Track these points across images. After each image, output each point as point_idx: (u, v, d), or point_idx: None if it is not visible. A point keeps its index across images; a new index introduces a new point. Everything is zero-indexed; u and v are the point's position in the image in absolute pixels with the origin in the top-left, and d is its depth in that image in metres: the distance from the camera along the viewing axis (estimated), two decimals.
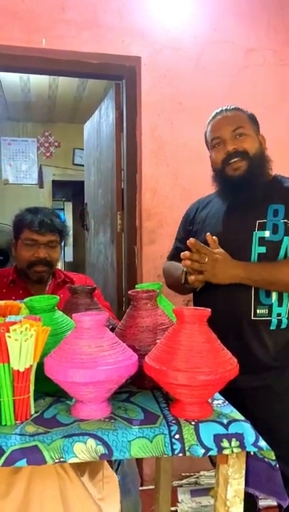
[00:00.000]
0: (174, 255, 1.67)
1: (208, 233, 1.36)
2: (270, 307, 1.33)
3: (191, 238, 1.32)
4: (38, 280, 1.61)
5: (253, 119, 1.44)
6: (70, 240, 7.21)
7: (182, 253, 1.32)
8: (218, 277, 1.30)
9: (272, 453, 0.81)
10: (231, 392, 1.04)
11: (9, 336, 0.79)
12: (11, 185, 5.01)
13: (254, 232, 1.34)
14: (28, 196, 4.86)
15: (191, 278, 1.31)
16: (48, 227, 1.59)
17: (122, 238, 2.41)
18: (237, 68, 2.29)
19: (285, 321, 1.34)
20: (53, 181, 5.26)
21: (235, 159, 1.36)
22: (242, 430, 0.80)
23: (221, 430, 0.80)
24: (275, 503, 1.31)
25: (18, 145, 5.01)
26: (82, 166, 3.99)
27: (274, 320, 1.34)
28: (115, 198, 2.43)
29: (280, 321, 1.34)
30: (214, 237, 1.39)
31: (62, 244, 1.77)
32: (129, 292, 1.06)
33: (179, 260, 1.62)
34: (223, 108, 1.45)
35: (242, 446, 0.79)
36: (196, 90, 2.24)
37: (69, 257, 7.25)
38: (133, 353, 0.87)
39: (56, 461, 0.74)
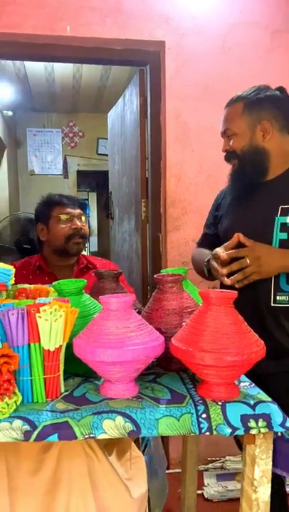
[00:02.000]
0: (202, 241, 1.68)
1: (240, 234, 1.33)
2: None
3: (220, 253, 1.32)
4: (77, 252, 1.68)
5: (250, 108, 1.36)
6: (95, 229, 7.31)
7: (220, 273, 1.31)
8: (267, 272, 1.29)
9: None
10: (255, 378, 1.04)
11: (40, 317, 0.81)
12: (36, 176, 5.08)
13: (276, 218, 1.33)
14: (53, 187, 4.91)
15: (234, 281, 1.29)
16: (75, 201, 1.72)
17: (147, 226, 2.41)
18: (263, 50, 2.24)
19: None
20: (78, 171, 5.31)
21: (230, 159, 1.43)
22: (269, 411, 0.80)
23: (248, 411, 0.80)
24: None
25: (43, 136, 5.06)
26: (106, 155, 4.01)
27: None
28: (139, 185, 2.44)
29: None
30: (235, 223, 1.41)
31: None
32: (155, 276, 1.07)
33: (208, 246, 1.64)
34: (229, 100, 1.45)
35: (269, 426, 0.79)
36: (221, 74, 2.20)
37: (94, 246, 7.33)
38: (159, 334, 0.88)
39: (86, 436, 0.77)
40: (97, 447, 1.03)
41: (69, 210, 1.67)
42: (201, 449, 2.07)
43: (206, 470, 2.15)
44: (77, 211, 1.69)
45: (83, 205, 1.75)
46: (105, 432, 0.77)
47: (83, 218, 1.72)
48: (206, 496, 1.98)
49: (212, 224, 1.62)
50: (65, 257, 1.68)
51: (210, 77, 2.20)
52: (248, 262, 1.27)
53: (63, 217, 1.66)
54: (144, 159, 2.42)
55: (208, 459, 2.21)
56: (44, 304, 0.83)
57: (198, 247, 1.71)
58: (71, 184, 5.26)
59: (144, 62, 2.24)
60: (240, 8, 2.21)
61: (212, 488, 2.00)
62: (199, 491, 1.98)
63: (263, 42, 2.24)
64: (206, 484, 2.03)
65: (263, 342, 0.86)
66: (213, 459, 2.22)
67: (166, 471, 1.70)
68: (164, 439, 2.14)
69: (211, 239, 1.63)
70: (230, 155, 1.42)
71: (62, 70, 3.75)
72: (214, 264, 1.36)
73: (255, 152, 1.38)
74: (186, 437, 1.35)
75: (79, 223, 1.67)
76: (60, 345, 0.84)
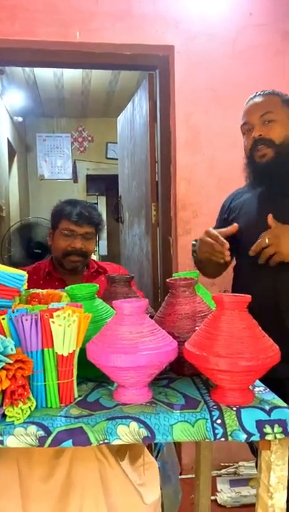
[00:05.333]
0: None
1: (270, 215, 1.28)
2: None
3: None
4: (73, 270, 1.65)
5: (287, 105, 1.38)
6: (105, 234, 7.33)
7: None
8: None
9: None
10: (271, 382, 1.02)
11: (53, 322, 0.81)
12: (46, 181, 5.11)
13: None
14: (62, 191, 4.94)
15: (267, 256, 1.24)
16: (86, 219, 1.63)
17: (157, 229, 2.41)
18: (273, 52, 2.23)
19: None
20: (87, 176, 5.33)
21: (260, 146, 1.33)
22: (285, 417, 0.79)
23: (263, 416, 0.79)
24: None
25: (52, 141, 5.09)
26: (116, 159, 4.02)
27: None
28: (150, 189, 2.44)
29: None
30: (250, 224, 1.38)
31: (97, 238, 1.80)
32: (167, 280, 1.07)
33: None
34: (258, 92, 1.41)
35: (285, 432, 0.78)
36: (231, 77, 2.20)
37: (103, 250, 7.34)
38: (173, 339, 0.87)
39: (101, 442, 0.76)
40: (109, 453, 1.03)
41: (73, 227, 1.62)
42: (213, 455, 2.05)
43: (219, 476, 2.12)
44: (84, 230, 1.62)
45: (97, 223, 1.68)
46: (120, 438, 0.77)
47: (91, 236, 1.65)
48: (219, 502, 1.96)
49: (219, 227, 1.60)
50: (64, 269, 1.66)
51: (220, 81, 2.20)
52: (267, 241, 1.24)
53: (66, 232, 1.62)
54: (154, 163, 2.42)
55: (221, 464, 2.19)
56: (57, 309, 0.83)
57: None
58: (80, 188, 5.29)
59: (153, 66, 2.24)
60: (249, 10, 2.20)
61: (225, 493, 1.98)
62: (212, 497, 1.96)
63: (273, 44, 2.23)
64: (219, 490, 2.01)
65: (277, 347, 0.85)
66: (226, 464, 2.19)
67: (179, 477, 1.68)
68: (177, 445, 2.12)
69: None
70: (264, 142, 1.33)
71: (72, 75, 3.77)
72: (208, 239, 1.32)
73: None
74: (200, 443, 1.34)
75: (80, 243, 1.61)
76: (74, 351, 0.84)
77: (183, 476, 2.05)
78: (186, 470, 2.14)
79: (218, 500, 1.97)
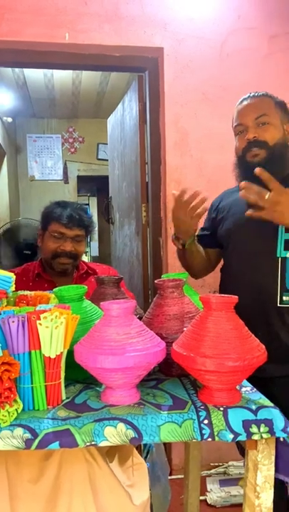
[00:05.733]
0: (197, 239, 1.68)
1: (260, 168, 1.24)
2: None
3: (257, 168, 1.24)
4: (62, 272, 1.64)
5: (281, 106, 1.40)
6: (96, 235, 7.31)
7: (242, 182, 1.25)
8: (279, 219, 1.23)
9: None
10: (259, 381, 1.03)
11: (40, 324, 0.81)
12: (37, 182, 5.09)
13: None
14: (53, 192, 4.93)
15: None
16: (76, 222, 1.62)
17: (147, 230, 2.41)
18: (261, 55, 2.25)
19: None
20: (78, 177, 5.32)
21: (255, 148, 1.34)
22: (271, 416, 0.80)
23: (250, 416, 0.80)
24: None
25: (43, 141, 5.07)
26: (106, 160, 4.02)
27: None
28: (140, 190, 2.44)
29: None
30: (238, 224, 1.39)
31: (88, 239, 1.79)
32: (155, 281, 1.07)
33: (201, 242, 1.62)
34: (251, 94, 1.42)
35: (271, 431, 0.79)
36: (219, 79, 2.21)
37: (95, 251, 7.33)
38: (161, 340, 0.88)
39: (88, 444, 0.76)
40: (98, 454, 1.03)
41: (63, 230, 1.61)
42: (203, 455, 2.07)
43: (209, 476, 2.13)
44: (74, 232, 1.61)
45: (87, 225, 1.67)
46: (107, 439, 0.77)
47: (81, 238, 1.64)
48: (209, 502, 1.97)
49: (208, 227, 1.62)
50: (53, 270, 1.65)
51: (208, 83, 2.21)
52: (267, 197, 1.21)
53: (56, 235, 1.61)
54: (144, 164, 2.43)
55: (211, 464, 2.20)
56: (45, 311, 0.83)
57: None
58: (71, 189, 5.28)
59: (142, 68, 2.25)
60: (237, 14, 2.22)
61: (215, 493, 1.98)
62: (202, 497, 1.97)
63: (261, 47, 2.25)
64: (208, 490, 2.02)
65: (264, 347, 0.85)
66: (216, 464, 2.20)
67: (169, 477, 1.69)
68: (167, 445, 2.13)
69: (205, 239, 1.63)
70: (257, 144, 1.34)
71: (62, 76, 3.77)
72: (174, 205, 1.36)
73: (285, 148, 1.37)
74: (189, 443, 1.35)
75: (70, 245, 1.61)
76: (61, 352, 0.84)
77: (173, 477, 2.06)
78: (176, 470, 2.15)
79: (207, 500, 1.97)
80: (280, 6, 2.25)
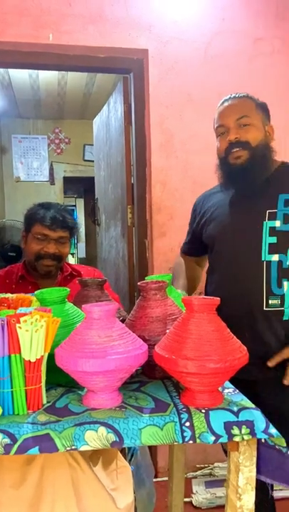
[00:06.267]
0: (186, 250, 1.69)
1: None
2: (282, 297, 1.32)
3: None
4: (46, 274, 1.62)
5: (262, 108, 1.41)
6: (83, 236, 7.29)
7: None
8: None
9: (283, 440, 0.80)
10: (245, 383, 1.03)
11: (20, 327, 0.80)
12: (22, 183, 5.05)
13: (264, 222, 1.33)
14: (39, 193, 4.89)
15: None
16: (60, 223, 1.61)
17: (133, 232, 2.41)
18: (246, 58, 2.27)
19: None
20: (64, 178, 5.29)
21: (237, 149, 1.34)
22: (252, 418, 0.80)
23: (231, 417, 0.80)
24: None
25: (28, 142, 5.04)
26: (93, 161, 4.00)
27: (287, 310, 1.33)
28: (125, 192, 2.44)
29: None
30: (222, 228, 1.40)
31: (75, 240, 1.78)
32: (138, 283, 1.07)
33: (191, 254, 1.65)
34: (232, 95, 1.42)
35: (252, 433, 0.79)
36: (204, 81, 2.22)
37: (82, 253, 7.30)
38: (143, 342, 0.87)
39: (68, 448, 0.76)
40: (81, 458, 1.02)
41: (47, 232, 1.59)
42: (189, 456, 2.07)
43: (195, 477, 2.13)
44: (57, 234, 1.59)
45: (71, 227, 1.65)
46: (87, 444, 0.76)
47: (65, 240, 1.63)
48: (194, 504, 1.97)
49: (194, 233, 1.62)
50: (37, 272, 1.63)
51: (193, 85, 2.22)
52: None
53: (39, 237, 1.59)
54: (130, 166, 2.42)
55: (197, 466, 2.20)
56: (25, 314, 0.82)
57: (182, 253, 1.72)
58: (58, 190, 5.24)
59: (127, 69, 2.24)
60: (222, 16, 2.23)
61: (200, 495, 1.98)
62: (188, 499, 1.97)
63: (246, 50, 2.27)
64: (194, 492, 2.02)
65: (245, 348, 0.86)
66: (202, 465, 2.21)
67: (155, 480, 1.68)
68: (152, 448, 2.12)
69: (194, 247, 1.64)
70: (240, 145, 1.34)
71: (47, 77, 3.74)
72: None
73: (267, 149, 1.38)
74: (173, 445, 1.34)
75: (53, 247, 1.59)
76: (42, 356, 0.83)
77: (159, 479, 2.06)
78: (161, 473, 2.14)
79: (193, 502, 1.97)
80: (264, 10, 2.27)
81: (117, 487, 1.15)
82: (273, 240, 1.32)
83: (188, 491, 2.01)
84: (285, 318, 1.33)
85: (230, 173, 1.40)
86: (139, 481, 1.38)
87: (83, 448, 0.76)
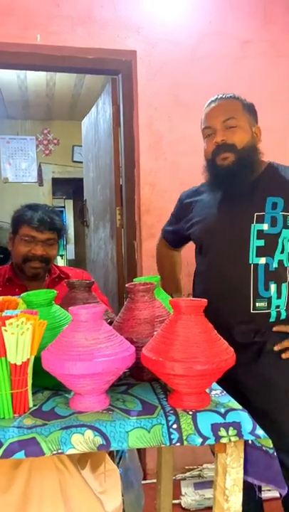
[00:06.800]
0: (170, 240, 1.72)
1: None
2: (269, 300, 1.33)
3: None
4: (33, 276, 1.61)
5: (249, 109, 1.41)
6: (72, 238, 7.26)
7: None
8: None
9: (270, 441, 0.81)
10: (231, 383, 1.03)
11: (5, 330, 0.79)
12: (10, 184, 5.01)
13: (252, 225, 1.34)
14: (28, 194, 4.85)
15: None
16: (47, 225, 1.59)
17: (122, 233, 2.41)
18: (233, 60, 2.28)
19: (283, 312, 1.34)
20: (53, 179, 5.26)
21: (223, 151, 1.34)
22: (239, 419, 0.80)
23: (219, 419, 0.80)
24: (278, 494, 1.32)
25: (17, 143, 5.00)
26: (82, 163, 3.99)
27: (273, 313, 1.33)
28: (114, 193, 2.43)
29: (279, 313, 1.34)
30: (210, 230, 1.41)
31: (64, 242, 1.77)
32: (126, 285, 1.06)
33: (174, 245, 1.68)
34: (219, 96, 1.41)
35: (239, 434, 0.79)
36: (192, 83, 2.23)
37: (71, 254, 7.27)
38: (130, 344, 0.87)
39: (54, 452, 0.75)
40: (69, 462, 1.01)
41: (34, 233, 1.57)
42: (178, 458, 2.06)
43: (184, 479, 2.13)
44: (45, 236, 1.58)
45: (59, 229, 1.64)
46: (74, 447, 0.75)
47: (52, 242, 1.62)
48: (183, 506, 1.97)
49: (177, 227, 1.63)
50: (25, 275, 1.62)
51: (181, 86, 2.23)
52: None
53: (26, 239, 1.58)
54: (118, 167, 2.42)
55: (186, 467, 2.20)
56: (11, 317, 0.81)
57: (162, 238, 1.76)
58: (46, 192, 5.21)
59: (116, 71, 2.24)
60: (209, 19, 2.24)
61: (189, 497, 1.98)
62: (177, 501, 1.97)
63: (233, 52, 2.28)
64: (183, 493, 2.02)
65: (232, 350, 0.86)
66: (191, 467, 2.21)
67: (144, 482, 1.68)
68: (141, 449, 2.12)
69: (177, 237, 1.66)
70: (226, 147, 1.34)
71: (36, 77, 3.72)
72: None
73: (253, 150, 1.38)
74: (161, 447, 1.34)
75: (41, 249, 1.58)
76: (28, 359, 0.82)
77: (148, 481, 2.05)
78: (150, 475, 2.14)
79: (182, 504, 1.97)
80: (252, 13, 2.29)
81: (105, 490, 1.15)
82: (261, 243, 1.33)
83: (178, 493, 2.01)
84: (271, 320, 1.33)
85: (217, 175, 1.40)
86: (128, 483, 1.37)
87: (70, 452, 0.76)
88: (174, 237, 1.67)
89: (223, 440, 0.79)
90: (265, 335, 1.33)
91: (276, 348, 1.30)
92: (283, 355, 1.30)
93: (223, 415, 0.81)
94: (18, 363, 0.81)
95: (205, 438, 0.78)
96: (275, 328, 1.32)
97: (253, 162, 1.38)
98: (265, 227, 1.32)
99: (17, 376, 0.81)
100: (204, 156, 1.43)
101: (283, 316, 1.34)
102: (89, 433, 0.76)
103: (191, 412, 0.81)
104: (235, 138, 1.34)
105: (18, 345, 0.80)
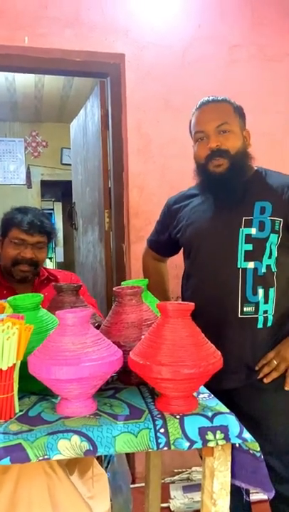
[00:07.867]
0: (155, 249, 1.70)
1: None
2: (256, 305, 1.33)
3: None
4: (22, 279, 1.60)
5: (239, 112, 1.40)
6: (61, 240, 7.22)
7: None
8: None
9: (257, 444, 0.81)
10: (220, 393, 1.03)
11: None
12: None
13: (240, 229, 1.33)
14: (16, 197, 4.82)
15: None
16: (37, 228, 1.59)
17: (110, 236, 2.40)
18: (222, 64, 2.30)
19: (270, 318, 1.34)
20: (42, 181, 5.23)
21: (218, 158, 1.33)
22: (226, 422, 0.80)
23: (206, 423, 0.80)
24: (266, 497, 1.32)
25: (5, 145, 4.97)
26: (70, 165, 3.98)
27: (260, 318, 1.33)
28: (102, 196, 2.43)
29: (266, 319, 1.34)
30: (199, 234, 1.40)
31: (53, 245, 1.76)
32: (114, 289, 1.06)
33: (162, 254, 1.67)
34: (210, 98, 1.40)
35: (226, 438, 0.79)
36: (181, 87, 2.23)
37: (60, 257, 7.23)
38: (117, 349, 0.87)
39: (40, 458, 0.74)
40: (58, 466, 1.00)
41: (24, 236, 1.57)
42: (166, 461, 2.06)
43: (173, 482, 2.13)
44: (35, 239, 1.58)
45: (49, 232, 1.64)
46: (60, 453, 0.75)
47: (42, 245, 1.61)
48: (172, 509, 1.96)
49: (164, 235, 1.62)
50: (13, 278, 1.61)
51: (170, 90, 2.23)
52: (275, 362, 1.30)
53: (16, 241, 1.57)
54: (107, 170, 2.42)
55: (175, 470, 2.20)
56: None
57: (148, 246, 1.73)
58: (35, 194, 5.18)
59: (104, 74, 2.24)
60: (198, 23, 2.26)
61: (178, 500, 1.98)
62: (166, 504, 1.96)
63: (222, 56, 2.30)
64: (172, 497, 2.01)
65: (220, 353, 0.86)
66: (180, 470, 2.20)
67: (132, 486, 1.67)
68: (129, 453, 2.11)
69: (164, 246, 1.65)
70: (220, 153, 1.33)
71: (24, 79, 3.70)
72: None
73: (245, 156, 1.38)
74: (149, 451, 1.34)
75: (30, 252, 1.57)
76: (14, 364, 0.81)
77: (136, 485, 2.04)
78: (139, 478, 2.13)
79: (171, 507, 1.97)
80: (240, 17, 2.31)
81: (94, 495, 1.14)
82: (249, 247, 1.33)
83: (166, 496, 2.01)
84: (258, 325, 1.33)
85: (209, 181, 1.39)
86: (116, 488, 1.37)
87: (56, 457, 0.75)
88: (161, 246, 1.66)
89: (211, 444, 0.79)
90: (252, 340, 1.34)
91: (259, 377, 1.32)
92: (265, 380, 1.31)
93: (211, 419, 0.81)
94: (4, 368, 0.80)
95: (192, 442, 0.78)
96: (257, 367, 1.33)
97: (244, 167, 1.38)
98: (254, 231, 1.32)
99: (3, 381, 0.80)
100: (195, 159, 1.42)
101: (270, 322, 1.34)
102: (76, 438, 0.76)
103: (178, 416, 0.81)
104: (228, 143, 1.33)
105: (3, 350, 0.79)
